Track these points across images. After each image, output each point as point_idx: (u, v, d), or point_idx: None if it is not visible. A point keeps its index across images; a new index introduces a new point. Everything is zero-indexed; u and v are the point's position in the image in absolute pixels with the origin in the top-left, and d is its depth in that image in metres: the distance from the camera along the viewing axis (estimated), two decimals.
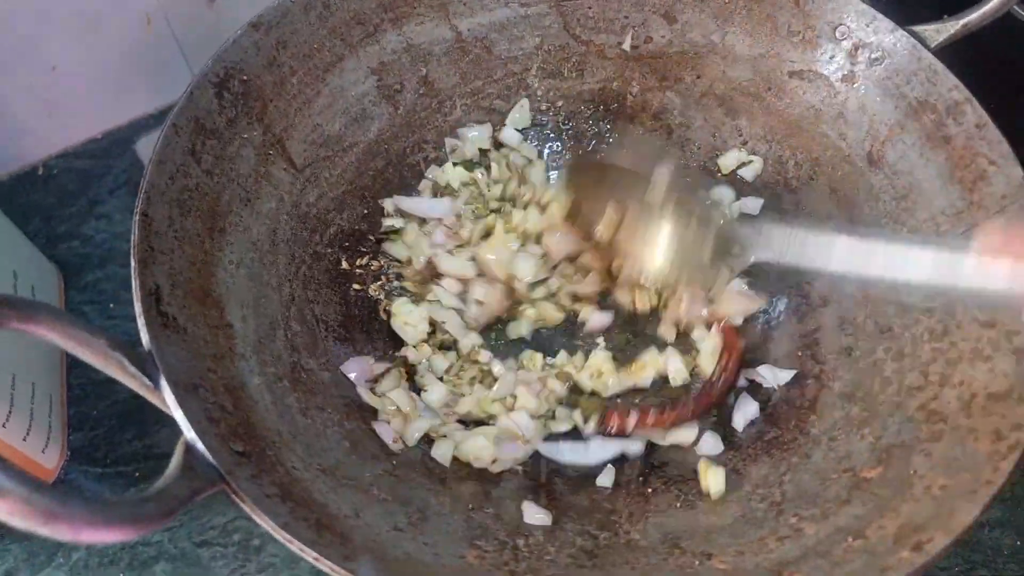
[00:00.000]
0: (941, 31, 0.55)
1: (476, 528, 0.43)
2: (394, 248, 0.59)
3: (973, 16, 0.54)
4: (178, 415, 0.35)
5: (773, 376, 0.54)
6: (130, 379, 0.35)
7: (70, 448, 0.60)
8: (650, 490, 0.48)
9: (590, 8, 0.63)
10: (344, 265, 0.55)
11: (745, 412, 0.52)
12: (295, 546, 0.33)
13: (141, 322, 0.37)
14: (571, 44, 0.64)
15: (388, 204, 0.59)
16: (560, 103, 0.66)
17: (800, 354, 0.54)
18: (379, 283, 0.58)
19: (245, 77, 0.50)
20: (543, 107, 0.65)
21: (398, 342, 0.55)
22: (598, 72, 0.65)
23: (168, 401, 0.35)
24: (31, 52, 0.69)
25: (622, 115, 0.65)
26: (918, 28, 0.55)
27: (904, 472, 0.42)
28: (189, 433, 0.34)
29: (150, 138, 0.78)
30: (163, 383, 0.36)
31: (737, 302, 0.57)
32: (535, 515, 0.45)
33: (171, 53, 0.77)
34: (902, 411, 0.46)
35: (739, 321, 0.57)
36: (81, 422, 0.61)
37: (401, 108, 0.60)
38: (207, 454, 0.34)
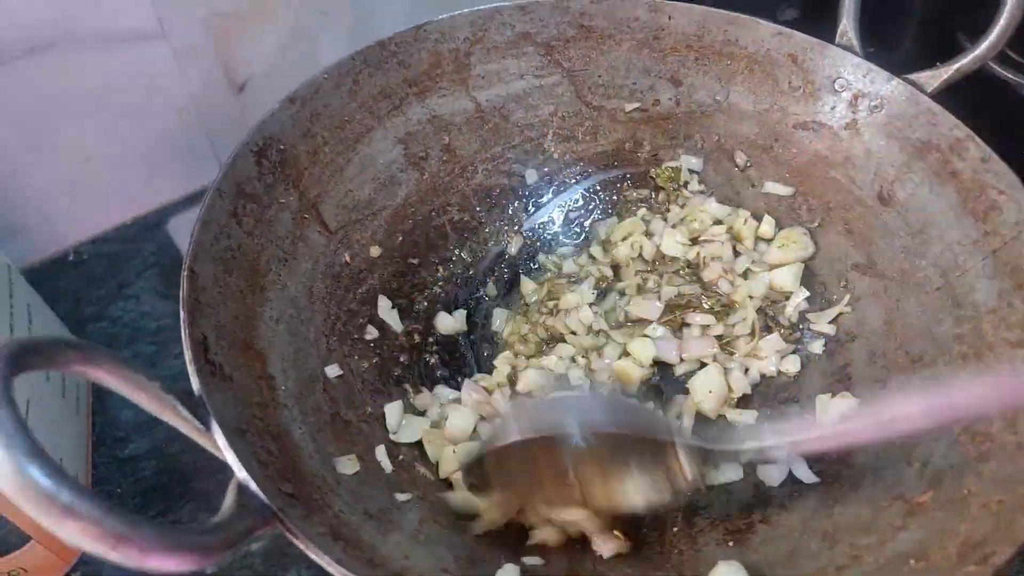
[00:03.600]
0: (935, 77, 0.58)
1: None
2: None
3: (965, 61, 0.57)
4: (230, 456, 0.35)
5: (830, 408, 0.53)
6: (183, 423, 0.36)
7: None
8: (696, 531, 0.47)
9: (600, 76, 0.67)
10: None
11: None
12: None
13: (192, 369, 0.38)
14: (584, 110, 0.67)
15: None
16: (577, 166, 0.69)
17: (833, 391, 0.54)
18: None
19: (282, 147, 0.53)
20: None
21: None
22: (611, 134, 0.68)
23: (220, 443, 0.35)
24: (67, 143, 0.73)
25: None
26: (913, 76, 0.58)
27: (957, 493, 0.41)
28: (241, 473, 0.34)
29: (178, 220, 0.81)
30: (214, 426, 0.36)
31: None
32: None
33: (198, 141, 0.81)
34: (946, 435, 0.46)
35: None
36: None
37: (426, 174, 0.63)
38: (260, 493, 0.34)
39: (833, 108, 0.62)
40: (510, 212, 0.67)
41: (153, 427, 0.65)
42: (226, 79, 0.81)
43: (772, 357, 0.58)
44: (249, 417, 0.40)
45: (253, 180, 0.50)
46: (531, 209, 0.68)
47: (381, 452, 0.48)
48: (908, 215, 0.57)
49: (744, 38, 0.63)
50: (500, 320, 0.62)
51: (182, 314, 0.40)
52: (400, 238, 0.61)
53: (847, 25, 0.61)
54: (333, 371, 0.50)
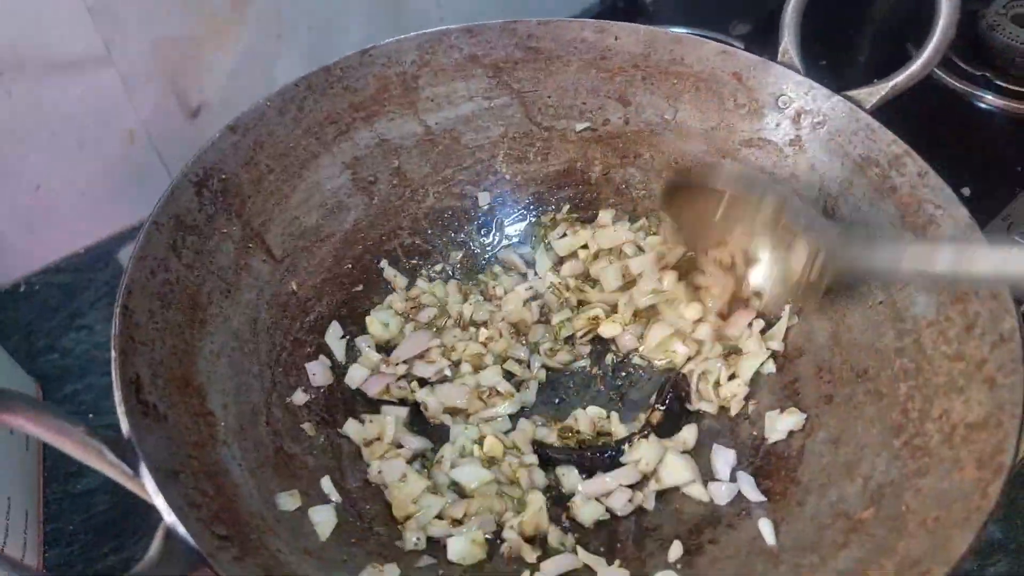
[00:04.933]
0: (873, 94, 0.59)
1: None
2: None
3: (900, 78, 0.58)
4: (158, 501, 0.34)
5: (779, 424, 0.54)
6: (109, 467, 0.35)
7: (46, 565, 0.58)
8: (646, 554, 0.47)
9: (549, 97, 0.67)
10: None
11: (726, 458, 0.51)
12: None
13: (121, 410, 0.38)
14: (534, 131, 0.68)
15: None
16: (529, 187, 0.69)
17: (782, 406, 0.54)
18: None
19: (224, 176, 0.53)
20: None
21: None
22: (562, 154, 0.68)
23: (148, 487, 0.35)
24: (14, 171, 0.72)
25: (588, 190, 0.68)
26: (852, 92, 0.59)
27: (897, 509, 0.42)
28: (169, 517, 0.34)
29: (131, 248, 0.80)
30: (143, 470, 0.35)
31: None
32: None
33: (153, 167, 0.80)
34: (888, 450, 0.46)
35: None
36: (57, 537, 0.59)
37: (376, 198, 0.63)
38: (188, 538, 0.33)
39: (778, 125, 0.62)
40: (462, 235, 0.67)
41: None
42: (179, 104, 0.80)
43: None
44: (184, 457, 0.39)
45: (193, 211, 0.50)
46: (483, 231, 0.68)
47: (327, 483, 0.47)
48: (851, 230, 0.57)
49: (689, 57, 0.64)
50: None
51: (112, 353, 0.39)
52: (349, 264, 0.60)
53: (788, 43, 0.62)
54: (300, 398, 0.50)
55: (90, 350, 0.72)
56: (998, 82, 0.92)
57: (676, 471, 0.51)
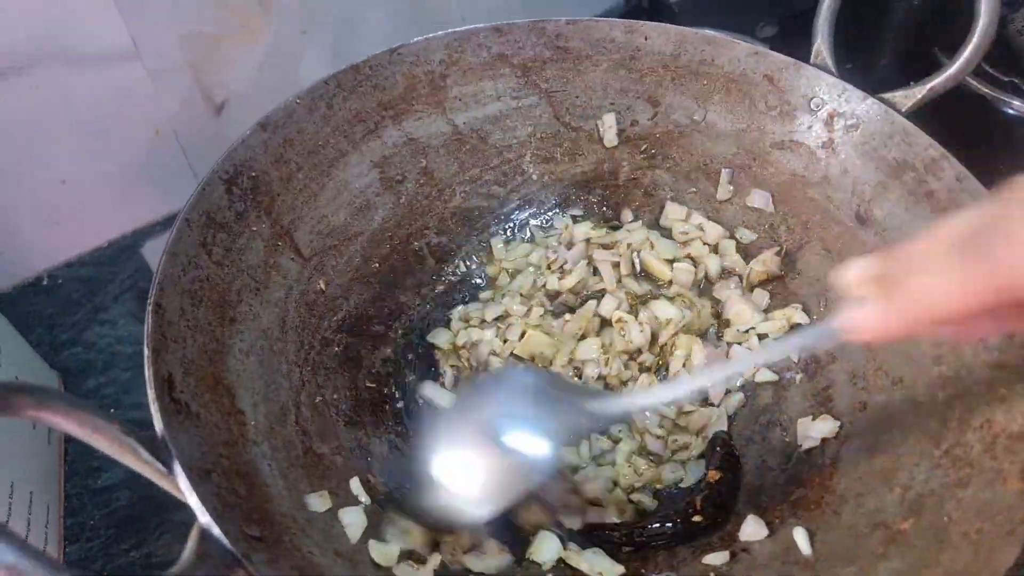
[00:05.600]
0: (909, 96, 0.58)
1: None
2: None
3: (937, 80, 0.57)
4: (192, 500, 0.34)
5: (812, 430, 0.53)
6: (144, 466, 0.35)
7: (67, 559, 0.58)
8: (678, 560, 0.47)
9: (577, 97, 0.66)
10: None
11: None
12: None
13: (154, 408, 0.37)
14: (562, 131, 0.67)
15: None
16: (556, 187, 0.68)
17: (814, 413, 0.54)
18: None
19: (254, 173, 0.52)
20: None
21: (407, 424, 0.55)
22: (590, 155, 0.68)
23: (183, 486, 0.34)
24: (40, 165, 0.72)
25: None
26: (887, 95, 0.58)
27: (938, 520, 0.41)
28: (204, 518, 0.34)
29: (156, 243, 0.80)
30: (177, 468, 0.35)
31: None
32: None
33: (177, 162, 0.80)
34: (927, 459, 0.45)
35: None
36: (78, 532, 0.59)
37: (403, 197, 0.62)
38: (223, 539, 0.33)
39: (810, 127, 0.62)
40: (488, 234, 0.66)
41: None
42: (204, 100, 0.80)
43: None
44: (216, 456, 0.39)
45: (223, 209, 0.50)
46: (508, 232, 0.67)
47: (356, 485, 0.47)
48: (885, 234, 0.57)
49: (720, 58, 0.63)
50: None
51: (146, 351, 0.39)
52: (377, 264, 0.60)
53: (821, 44, 0.61)
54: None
55: (113, 344, 0.72)
56: None
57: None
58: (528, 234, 0.68)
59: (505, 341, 0.58)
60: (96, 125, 0.73)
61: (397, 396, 0.56)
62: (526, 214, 0.68)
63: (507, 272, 0.65)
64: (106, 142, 0.75)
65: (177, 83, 0.76)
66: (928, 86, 0.58)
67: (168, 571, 0.30)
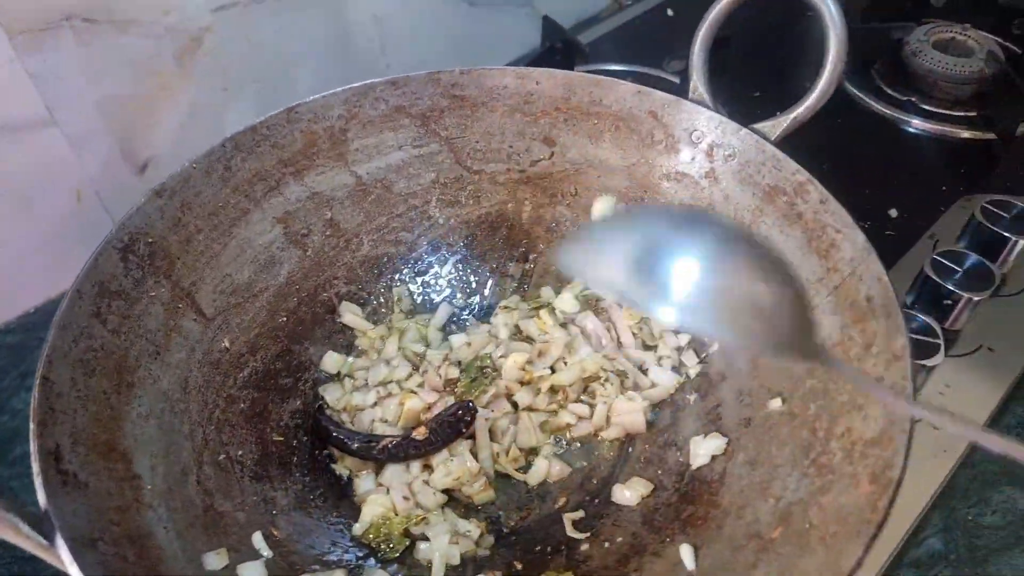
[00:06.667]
0: (776, 126, 0.62)
1: None
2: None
3: (800, 110, 0.61)
4: (73, 570, 0.35)
5: (702, 448, 0.55)
6: (24, 540, 0.36)
7: None
8: None
9: (477, 142, 0.69)
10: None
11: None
12: None
13: (38, 482, 0.39)
14: (465, 175, 0.70)
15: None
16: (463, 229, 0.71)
17: (706, 431, 0.56)
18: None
19: (150, 240, 0.54)
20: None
21: (317, 476, 0.57)
22: (493, 196, 0.71)
23: (63, 557, 0.36)
24: None
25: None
26: (758, 125, 0.62)
27: (802, 527, 0.44)
28: None
29: None
30: (59, 540, 0.36)
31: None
32: None
33: (102, 224, 0.81)
34: (798, 469, 0.48)
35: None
36: None
37: (309, 250, 0.64)
38: None
39: (693, 159, 0.65)
40: (397, 279, 0.69)
41: None
42: (126, 161, 0.81)
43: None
44: (105, 524, 0.40)
45: (119, 277, 0.51)
46: (417, 276, 0.70)
47: (258, 539, 0.48)
48: None
49: (607, 98, 0.67)
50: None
51: (31, 426, 0.40)
52: (284, 317, 0.62)
53: (697, 81, 0.65)
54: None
55: None
56: (924, 106, 0.96)
57: None
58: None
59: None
60: (18, 192, 0.74)
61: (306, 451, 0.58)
62: (433, 257, 0.70)
63: (399, 333, 0.66)
64: (29, 209, 0.76)
65: (97, 146, 0.77)
66: (792, 115, 0.62)
67: None
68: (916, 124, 0.96)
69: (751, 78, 1.00)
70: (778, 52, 1.06)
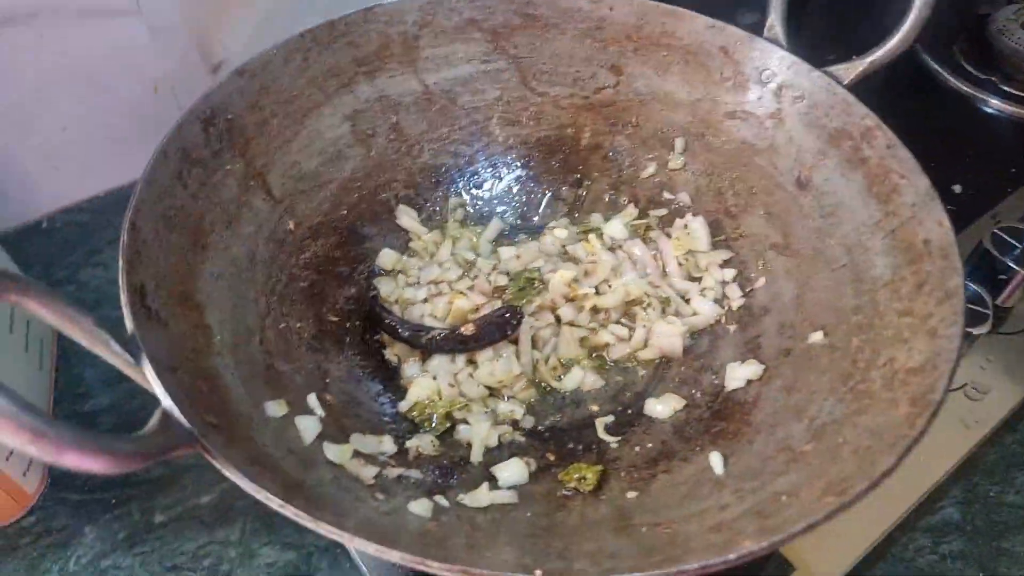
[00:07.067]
0: (851, 69, 0.62)
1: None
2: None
3: (878, 54, 0.61)
4: (157, 388, 0.38)
5: (738, 372, 0.57)
6: (114, 356, 0.39)
7: (50, 474, 0.62)
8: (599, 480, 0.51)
9: (544, 64, 0.70)
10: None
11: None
12: (262, 496, 0.35)
13: (127, 311, 0.41)
14: (528, 96, 0.71)
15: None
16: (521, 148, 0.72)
17: (743, 359, 0.58)
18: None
19: (230, 116, 0.56)
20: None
21: (368, 357, 0.59)
22: (554, 120, 0.72)
23: (148, 375, 0.39)
24: (43, 112, 0.76)
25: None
26: (831, 68, 0.62)
27: (834, 442, 0.45)
28: (166, 401, 0.38)
29: None
30: (144, 360, 0.39)
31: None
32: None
33: (174, 117, 0.84)
34: (835, 395, 0.49)
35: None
36: None
37: (373, 151, 0.66)
38: (182, 419, 0.37)
39: (760, 98, 0.65)
40: (453, 190, 0.70)
41: (115, 384, 0.68)
42: (202, 59, 0.83)
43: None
44: (181, 359, 0.43)
45: (199, 146, 0.54)
46: (472, 189, 0.71)
47: (312, 399, 0.51)
48: (822, 198, 0.61)
49: (680, 30, 0.67)
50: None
51: (120, 262, 0.43)
52: (345, 210, 0.64)
53: (774, 19, 0.65)
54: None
55: (104, 285, 0.77)
56: (1004, 87, 0.94)
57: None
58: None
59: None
60: (96, 78, 0.77)
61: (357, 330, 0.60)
62: (489, 173, 0.71)
63: (452, 240, 0.68)
64: (106, 95, 0.79)
65: (176, 41, 0.79)
66: (868, 59, 0.62)
67: (131, 435, 0.34)
68: (994, 104, 0.94)
69: (830, 21, 0.98)
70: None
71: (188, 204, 0.51)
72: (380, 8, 0.64)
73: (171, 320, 0.45)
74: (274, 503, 0.35)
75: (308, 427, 0.47)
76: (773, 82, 0.65)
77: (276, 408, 0.47)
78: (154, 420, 0.37)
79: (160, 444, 0.35)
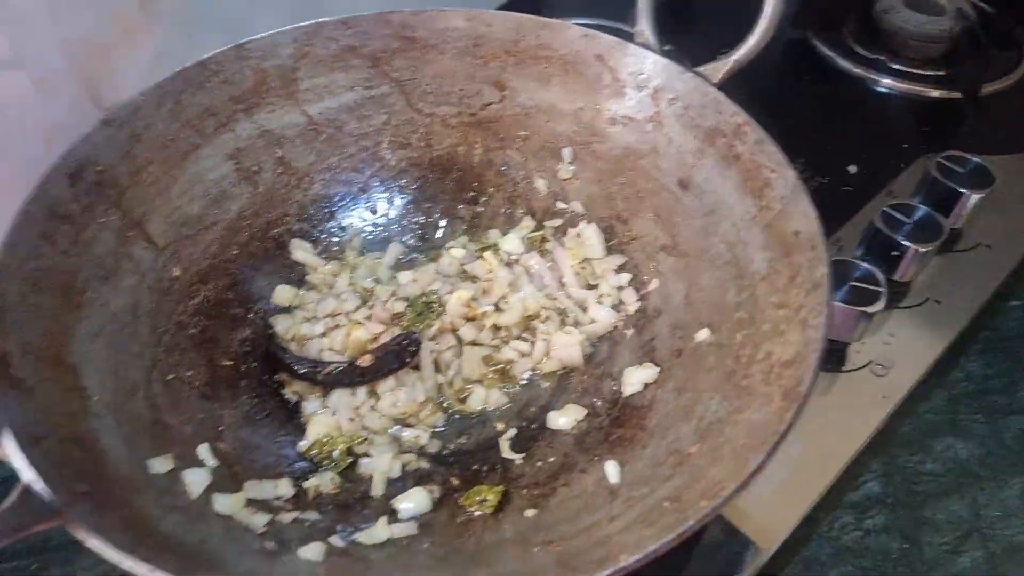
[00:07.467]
0: (718, 68, 0.64)
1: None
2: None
3: (740, 52, 0.63)
4: (17, 461, 0.37)
5: (634, 377, 0.58)
6: None
7: None
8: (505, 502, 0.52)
9: (428, 85, 0.70)
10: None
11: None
12: (128, 563, 0.35)
13: None
14: (416, 118, 0.71)
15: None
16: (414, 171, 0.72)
17: (640, 362, 0.59)
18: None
19: (100, 168, 0.55)
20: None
21: (265, 399, 0.59)
22: (444, 139, 0.72)
23: (7, 449, 0.38)
24: None
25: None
26: (701, 68, 0.64)
27: (717, 442, 0.47)
28: (27, 474, 0.37)
29: None
30: (4, 434, 0.38)
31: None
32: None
33: None
34: (720, 393, 0.51)
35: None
36: None
37: (261, 187, 0.66)
38: (44, 492, 0.36)
39: (638, 103, 0.67)
40: (349, 219, 0.70)
41: None
42: (95, 106, 0.81)
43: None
44: (52, 425, 0.42)
45: (67, 201, 0.52)
46: (369, 215, 0.71)
47: (204, 450, 0.50)
48: (703, 197, 0.62)
49: (556, 42, 0.68)
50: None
51: None
52: (236, 250, 0.63)
53: (643, 25, 0.67)
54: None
55: None
56: (894, 65, 0.98)
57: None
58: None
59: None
60: None
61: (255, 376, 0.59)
62: (385, 198, 0.71)
63: (351, 269, 0.67)
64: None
65: (64, 91, 0.76)
66: (733, 57, 0.64)
67: None
68: (885, 83, 0.97)
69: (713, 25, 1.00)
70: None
71: (58, 263, 0.50)
72: (252, 44, 0.64)
73: (39, 386, 0.44)
74: (141, 569, 0.34)
75: (195, 480, 0.47)
76: (649, 86, 0.66)
77: (161, 464, 0.46)
78: (14, 495, 0.36)
79: (17, 521, 0.34)
